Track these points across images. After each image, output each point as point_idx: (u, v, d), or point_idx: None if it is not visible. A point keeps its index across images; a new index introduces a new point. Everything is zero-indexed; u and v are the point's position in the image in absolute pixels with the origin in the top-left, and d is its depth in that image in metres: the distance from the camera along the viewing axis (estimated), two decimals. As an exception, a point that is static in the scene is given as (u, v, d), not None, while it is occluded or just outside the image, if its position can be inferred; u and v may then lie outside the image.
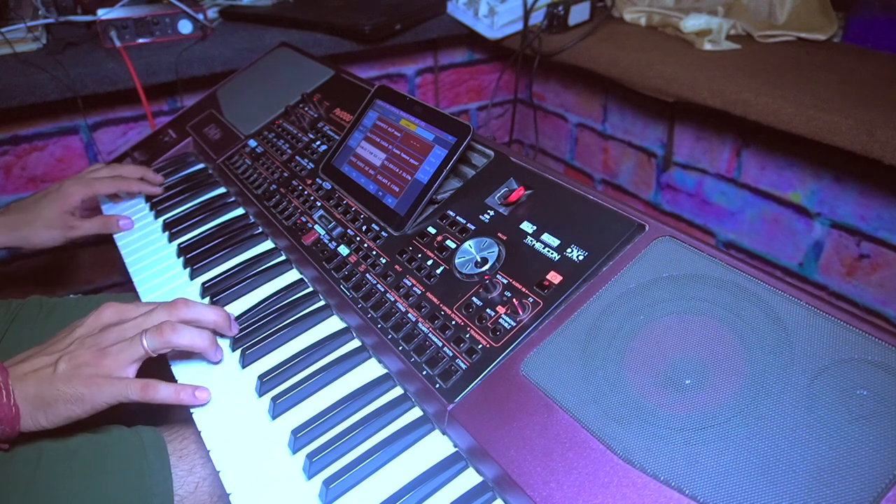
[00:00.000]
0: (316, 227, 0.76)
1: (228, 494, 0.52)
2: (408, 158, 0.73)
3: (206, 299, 0.73)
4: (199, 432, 0.58)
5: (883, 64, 1.04)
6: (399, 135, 0.76)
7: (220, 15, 1.43)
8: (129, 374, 0.59)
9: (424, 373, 0.55)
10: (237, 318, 0.69)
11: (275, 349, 0.65)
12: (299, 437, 0.54)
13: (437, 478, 0.50)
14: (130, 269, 0.83)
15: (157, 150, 1.07)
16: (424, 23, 1.40)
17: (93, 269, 1.42)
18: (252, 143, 0.96)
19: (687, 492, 0.41)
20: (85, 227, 0.89)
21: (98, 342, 0.59)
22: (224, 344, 0.67)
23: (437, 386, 0.54)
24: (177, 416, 0.76)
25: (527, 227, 0.61)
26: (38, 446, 0.60)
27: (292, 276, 0.75)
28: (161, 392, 0.59)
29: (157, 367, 0.63)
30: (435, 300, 0.60)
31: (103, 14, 1.22)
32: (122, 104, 1.29)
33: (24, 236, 0.85)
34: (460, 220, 0.66)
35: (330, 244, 0.73)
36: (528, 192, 0.64)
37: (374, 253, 0.69)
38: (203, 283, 0.75)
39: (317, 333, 0.66)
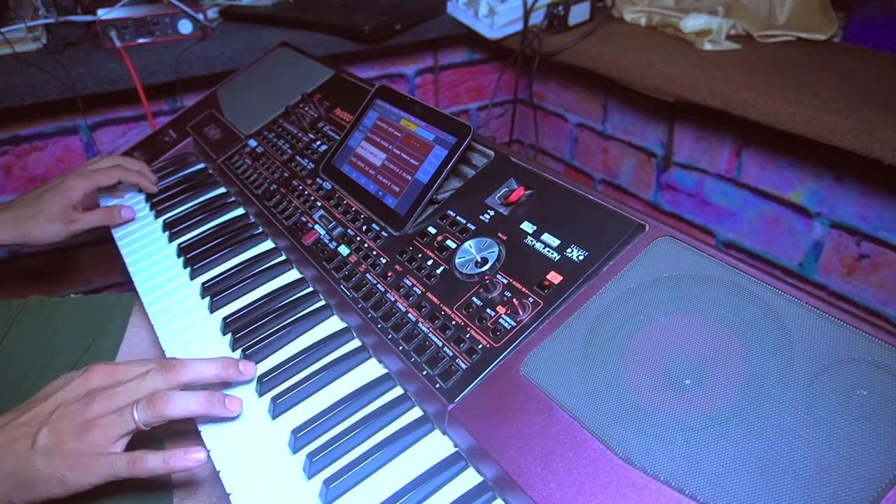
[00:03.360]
0: (316, 226, 0.76)
1: (228, 494, 0.52)
2: (408, 158, 0.73)
3: (206, 299, 0.73)
4: (199, 432, 0.58)
5: (883, 64, 1.04)
6: (399, 135, 0.76)
7: (220, 15, 1.43)
8: (118, 449, 0.53)
9: (424, 373, 0.55)
10: (236, 316, 0.69)
11: (275, 350, 0.65)
12: (299, 437, 0.54)
13: (437, 478, 0.50)
14: (130, 269, 0.83)
15: (157, 150, 1.07)
16: (424, 23, 1.40)
17: (93, 269, 1.42)
18: (252, 143, 0.96)
19: (687, 492, 0.41)
20: (87, 220, 0.88)
21: (83, 413, 0.53)
22: (224, 343, 0.67)
23: (438, 386, 0.54)
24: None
25: (527, 227, 0.61)
26: None
27: (292, 275, 0.75)
28: (149, 463, 0.52)
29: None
30: (435, 300, 0.60)
31: (103, 14, 1.22)
32: (122, 104, 1.30)
33: (26, 232, 0.84)
34: (460, 220, 0.66)
35: (330, 244, 0.73)
36: (529, 192, 0.64)
37: (375, 253, 0.69)
38: (203, 283, 0.75)
39: (317, 333, 0.66)
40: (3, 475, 0.51)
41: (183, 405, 0.54)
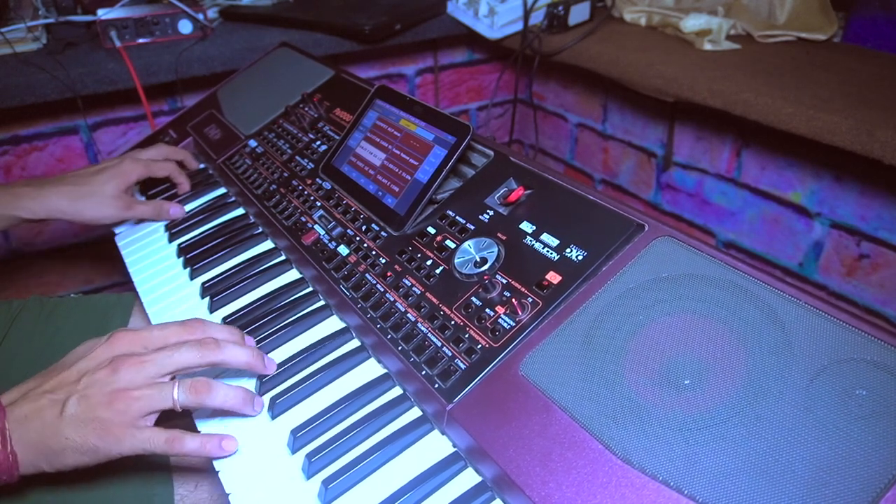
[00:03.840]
0: (316, 226, 0.76)
1: (227, 494, 0.52)
2: (407, 158, 0.73)
3: (206, 299, 0.73)
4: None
5: (883, 64, 1.04)
6: (399, 135, 0.76)
7: (220, 15, 1.43)
8: (148, 422, 0.52)
9: (424, 373, 0.55)
10: (236, 316, 0.69)
11: (274, 349, 0.65)
12: (299, 437, 0.54)
13: (436, 478, 0.50)
14: (130, 269, 0.83)
15: (157, 150, 1.07)
16: (424, 23, 1.40)
17: (93, 269, 1.42)
18: (252, 143, 0.96)
19: (686, 492, 0.41)
20: (140, 210, 0.87)
21: (112, 382, 0.51)
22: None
23: (437, 386, 0.54)
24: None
25: (526, 226, 0.61)
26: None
27: (292, 275, 0.75)
28: (187, 445, 0.52)
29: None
30: (434, 300, 0.60)
31: (103, 14, 1.22)
32: (122, 104, 1.30)
33: (80, 209, 0.82)
34: (460, 219, 0.66)
35: (330, 244, 0.73)
36: (528, 191, 0.64)
37: (374, 253, 0.69)
38: (203, 283, 0.75)
39: (316, 333, 0.66)
40: (31, 443, 0.50)
41: (222, 398, 0.55)
